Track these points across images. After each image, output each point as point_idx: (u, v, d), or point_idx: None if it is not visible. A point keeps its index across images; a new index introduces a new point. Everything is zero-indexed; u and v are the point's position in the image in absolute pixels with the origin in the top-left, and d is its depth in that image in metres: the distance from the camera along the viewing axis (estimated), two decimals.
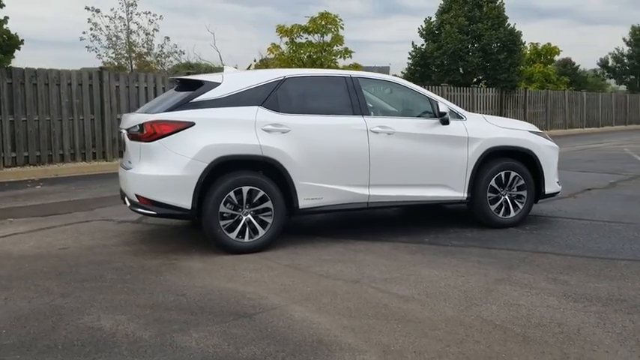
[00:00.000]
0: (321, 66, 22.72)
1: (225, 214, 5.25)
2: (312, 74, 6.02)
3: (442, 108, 5.92)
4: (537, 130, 6.74)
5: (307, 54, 22.28)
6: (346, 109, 5.75)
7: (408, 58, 25.54)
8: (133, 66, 21.12)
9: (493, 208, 6.23)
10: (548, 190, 6.50)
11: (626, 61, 40.18)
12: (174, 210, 5.19)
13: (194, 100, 5.32)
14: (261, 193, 5.32)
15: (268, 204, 5.36)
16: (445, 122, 6.00)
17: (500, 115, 23.71)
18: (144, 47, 21.49)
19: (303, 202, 5.49)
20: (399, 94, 6.19)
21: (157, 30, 20.85)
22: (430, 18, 25.22)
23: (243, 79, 5.59)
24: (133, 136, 5.36)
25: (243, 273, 4.78)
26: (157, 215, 5.31)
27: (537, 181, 6.40)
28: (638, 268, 4.80)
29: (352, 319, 3.72)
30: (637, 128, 32.24)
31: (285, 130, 5.40)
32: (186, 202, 5.15)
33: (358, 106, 5.77)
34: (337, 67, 22.71)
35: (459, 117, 6.11)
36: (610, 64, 41.93)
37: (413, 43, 25.49)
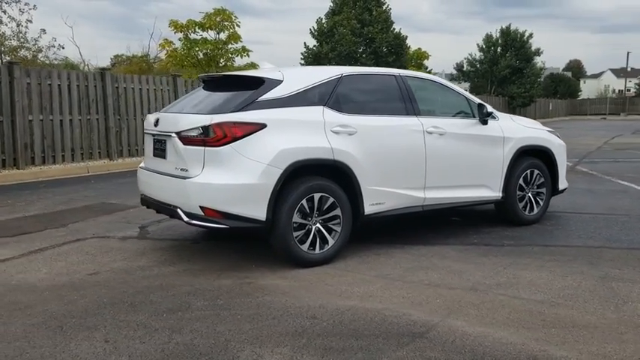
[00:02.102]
0: (217, 64, 21.97)
1: (295, 224, 4.79)
2: (366, 72, 5.69)
3: (489, 108, 5.94)
4: (550, 129, 7.02)
5: (204, 51, 21.32)
6: (401, 109, 5.52)
7: (301, 59, 25.55)
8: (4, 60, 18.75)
9: (521, 205, 6.38)
10: (561, 186, 6.80)
11: (478, 66, 43.88)
12: (247, 222, 4.61)
13: (259, 99, 4.77)
14: (331, 199, 4.93)
15: (337, 211, 4.98)
16: (485, 122, 6.02)
17: None
18: (17, 40, 19.19)
19: (369, 208, 5.18)
20: (439, 93, 6.08)
21: (30, 21, 18.71)
22: (321, 19, 25.45)
23: (303, 77, 5.13)
24: (190, 140, 4.67)
25: (344, 287, 4.37)
26: (228, 229, 4.66)
27: (553, 178, 6.67)
28: None
29: (531, 331, 3.52)
30: None
31: (351, 131, 5.05)
32: (260, 212, 4.61)
33: (411, 106, 5.57)
34: (234, 66, 22.11)
35: (493, 117, 6.16)
36: (465, 69, 45.57)
37: (305, 44, 25.58)
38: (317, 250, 4.91)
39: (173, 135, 4.79)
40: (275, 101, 4.79)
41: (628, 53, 71.43)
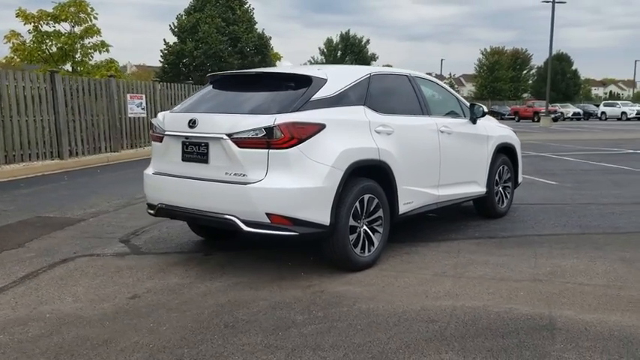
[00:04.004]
0: (73, 59, 20.10)
1: (349, 228, 4.67)
2: (387, 72, 5.65)
3: (485, 109, 6.27)
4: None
5: (59, 45, 19.34)
6: (417, 109, 5.62)
7: (161, 56, 24.29)
8: None
9: (496, 199, 6.85)
10: (519, 180, 7.42)
11: None
12: (313, 228, 4.37)
13: (312, 98, 4.54)
14: (376, 200, 4.88)
15: (380, 212, 4.94)
16: (474, 122, 6.36)
17: None
18: None
19: (402, 208, 5.21)
20: (438, 93, 6.25)
21: None
22: (182, 15, 24.46)
23: (341, 76, 4.97)
24: (249, 143, 4.30)
25: (419, 288, 4.34)
26: (297, 236, 4.35)
27: (515, 173, 7.25)
28: None
29: (633, 313, 3.85)
30: None
31: (389, 131, 5.03)
32: (325, 217, 4.41)
33: (425, 106, 5.71)
34: (90, 63, 20.40)
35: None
36: None
37: (165, 40, 24.38)
38: (366, 253, 4.82)
39: (224, 137, 4.36)
40: (325, 101, 4.61)
41: (442, 60, 78.96)
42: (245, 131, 4.29)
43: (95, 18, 19.85)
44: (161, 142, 4.91)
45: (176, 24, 24.23)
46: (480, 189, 6.45)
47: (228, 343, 3.38)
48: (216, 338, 3.46)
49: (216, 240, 5.77)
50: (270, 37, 25.12)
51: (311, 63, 46.82)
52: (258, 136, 4.26)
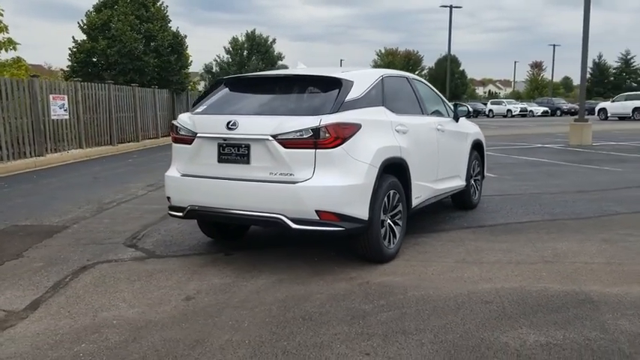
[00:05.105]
0: None
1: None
2: (393, 74, 5.93)
3: (469, 107, 6.76)
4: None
5: None
6: (417, 109, 6.00)
7: (69, 55, 23.05)
8: None
9: (471, 192, 7.41)
10: (486, 173, 8.04)
11: (227, 68, 44.99)
12: (356, 223, 4.60)
13: (346, 100, 4.76)
14: (398, 195, 5.19)
15: (400, 206, 5.26)
16: (457, 120, 6.86)
17: (173, 116, 24.07)
18: None
19: (414, 202, 5.57)
20: (428, 93, 6.60)
21: None
22: (92, 12, 23.34)
23: (362, 78, 5.19)
24: (296, 143, 4.44)
25: (453, 274, 4.69)
26: (343, 231, 4.54)
27: (483, 167, 7.86)
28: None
29: None
30: None
31: (405, 130, 5.36)
32: (364, 212, 4.66)
33: (423, 106, 6.10)
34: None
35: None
36: (214, 70, 46.25)
37: (73, 38, 23.13)
38: (391, 245, 5.11)
39: (268, 138, 4.48)
40: (355, 102, 4.84)
41: (341, 61, 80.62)
42: (291, 132, 4.43)
43: (1, 14, 18.47)
44: (190, 144, 4.90)
45: (85, 21, 23.06)
46: (461, 182, 6.95)
47: (319, 334, 3.54)
48: (304, 330, 3.60)
49: (225, 240, 5.80)
50: (186, 36, 24.62)
51: (216, 62, 46.27)
52: (304, 136, 4.41)
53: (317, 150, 4.41)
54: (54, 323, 3.76)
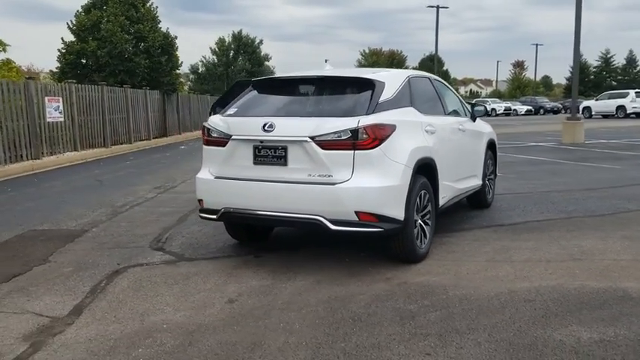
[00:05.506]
0: None
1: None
2: (419, 75, 5.97)
3: (488, 107, 6.82)
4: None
5: None
6: (441, 109, 6.05)
7: (58, 56, 22.79)
8: None
9: (486, 190, 7.48)
10: (498, 172, 8.12)
11: (214, 68, 44.86)
12: (393, 223, 4.63)
13: (380, 101, 4.79)
14: (428, 195, 5.24)
15: (429, 206, 5.31)
16: (474, 120, 6.92)
17: (164, 117, 23.94)
18: None
19: (440, 201, 5.62)
20: (448, 93, 6.66)
21: None
22: (81, 12, 23.09)
23: (393, 79, 5.22)
24: (335, 145, 4.46)
25: (488, 274, 4.74)
26: (382, 232, 4.56)
27: (495, 166, 7.94)
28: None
29: None
30: None
31: (433, 130, 5.41)
32: (400, 212, 4.69)
33: (445, 106, 6.16)
34: None
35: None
36: (200, 71, 46.09)
37: (63, 39, 22.88)
38: (422, 245, 5.15)
39: (307, 140, 4.49)
40: (388, 103, 4.87)
41: (326, 60, 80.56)
42: (330, 133, 4.45)
43: None
44: (224, 146, 4.89)
45: (74, 22, 22.82)
46: (478, 182, 7.02)
47: (374, 335, 3.56)
48: (357, 331, 3.62)
49: (251, 243, 5.80)
50: (176, 37, 24.48)
51: (202, 62, 46.10)
52: (343, 138, 4.44)
53: (355, 151, 4.44)
54: (103, 328, 3.73)
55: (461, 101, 6.91)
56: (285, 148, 4.61)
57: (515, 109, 50.37)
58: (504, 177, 10.25)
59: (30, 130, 13.87)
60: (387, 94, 4.88)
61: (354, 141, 4.42)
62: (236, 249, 5.65)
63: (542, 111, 50.31)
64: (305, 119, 4.64)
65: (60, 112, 15.39)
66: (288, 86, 5.29)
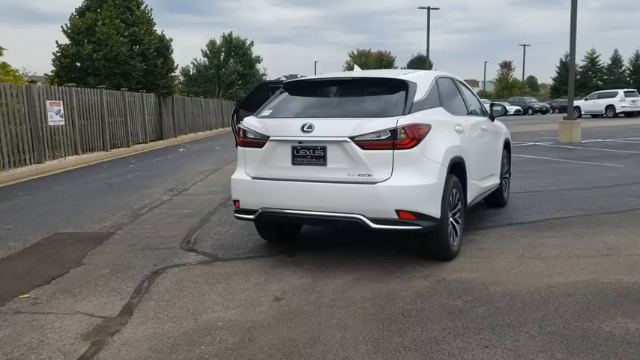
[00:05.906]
0: None
1: None
2: (443, 75, 6.08)
3: (507, 107, 6.96)
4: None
5: None
6: (464, 109, 6.16)
7: (53, 59, 22.65)
8: None
9: (502, 189, 7.61)
10: (511, 171, 8.26)
11: (204, 70, 44.76)
12: (431, 221, 4.73)
13: (414, 101, 4.89)
14: (458, 194, 5.35)
15: (459, 205, 5.42)
16: (493, 119, 7.05)
17: (160, 120, 23.89)
18: None
19: (468, 200, 5.73)
20: (468, 93, 6.77)
21: None
22: (75, 15, 22.99)
23: (423, 79, 5.33)
24: (374, 145, 4.55)
25: (521, 270, 4.84)
26: (421, 230, 4.67)
27: (509, 165, 8.08)
28: None
29: None
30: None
31: (461, 130, 5.52)
32: (437, 211, 4.79)
33: (468, 106, 6.27)
34: None
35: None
36: (192, 73, 45.98)
37: (57, 42, 22.75)
38: (455, 243, 5.26)
39: (347, 140, 4.58)
40: (421, 103, 4.97)
41: (315, 62, 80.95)
42: (369, 133, 4.54)
43: None
44: (261, 147, 4.96)
45: (69, 25, 22.71)
46: (497, 180, 7.14)
47: (428, 329, 3.65)
48: (410, 326, 3.71)
49: (281, 242, 5.87)
50: (172, 39, 24.45)
51: (193, 64, 45.94)
52: (382, 137, 4.53)
53: (395, 150, 4.53)
54: (159, 327, 3.79)
55: (479, 101, 7.03)
56: (324, 149, 4.69)
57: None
58: (513, 176, 10.39)
59: (32, 133, 13.81)
60: (419, 95, 4.98)
61: (394, 140, 4.51)
62: (268, 249, 5.71)
63: (530, 111, 50.81)
64: (343, 120, 4.73)
65: (61, 116, 15.34)
66: (321, 87, 5.37)
